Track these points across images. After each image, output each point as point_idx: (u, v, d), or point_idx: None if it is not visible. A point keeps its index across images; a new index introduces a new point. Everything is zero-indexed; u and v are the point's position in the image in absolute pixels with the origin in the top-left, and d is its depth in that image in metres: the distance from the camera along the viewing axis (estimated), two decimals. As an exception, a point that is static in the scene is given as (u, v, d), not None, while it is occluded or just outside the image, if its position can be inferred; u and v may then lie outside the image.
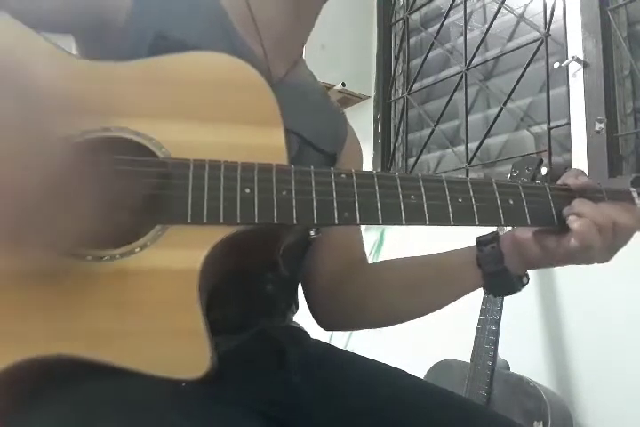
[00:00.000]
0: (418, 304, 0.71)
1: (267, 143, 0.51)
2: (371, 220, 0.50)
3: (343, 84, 2.04)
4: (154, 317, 0.43)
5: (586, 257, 0.57)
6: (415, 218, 0.51)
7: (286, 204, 0.48)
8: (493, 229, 0.71)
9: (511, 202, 0.54)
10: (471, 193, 0.53)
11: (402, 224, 0.51)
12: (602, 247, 0.55)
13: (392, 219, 0.51)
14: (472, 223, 0.53)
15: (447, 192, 0.53)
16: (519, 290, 0.64)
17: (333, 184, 0.50)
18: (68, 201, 0.39)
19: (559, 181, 0.60)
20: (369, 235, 1.97)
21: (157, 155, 0.48)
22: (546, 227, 0.57)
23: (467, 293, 0.67)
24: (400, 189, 0.51)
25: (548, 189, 0.56)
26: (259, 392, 0.57)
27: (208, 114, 0.50)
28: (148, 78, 0.51)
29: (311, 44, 2.34)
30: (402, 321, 0.72)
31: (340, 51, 2.10)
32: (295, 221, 0.48)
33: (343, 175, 0.51)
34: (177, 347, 0.43)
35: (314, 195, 0.49)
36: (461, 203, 0.53)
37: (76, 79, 0.49)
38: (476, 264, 0.64)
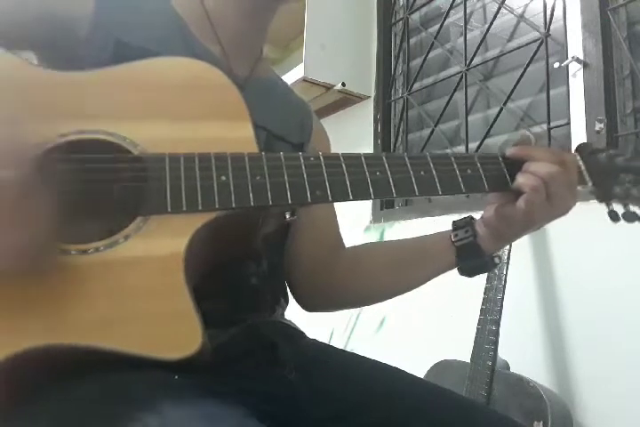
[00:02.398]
0: (396, 283, 0.74)
1: (236, 136, 0.54)
2: (342, 196, 0.54)
3: (343, 84, 2.04)
4: (144, 301, 0.45)
5: (541, 212, 0.60)
6: (383, 191, 0.55)
7: (261, 187, 0.51)
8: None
9: (469, 171, 0.60)
10: (432, 166, 0.58)
11: (371, 198, 0.55)
12: (546, 199, 0.59)
13: (361, 194, 0.54)
14: (436, 193, 0.57)
15: (409, 166, 0.57)
16: (491, 269, 0.69)
17: (303, 166, 0.53)
18: (29, 205, 0.40)
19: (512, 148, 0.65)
20: (369, 234, 1.97)
21: (133, 152, 0.50)
22: (503, 191, 0.62)
23: (442, 272, 0.71)
24: (365, 167, 0.55)
25: (500, 158, 0.62)
26: (255, 389, 0.58)
27: (177, 113, 0.53)
28: (117, 83, 0.53)
29: (311, 43, 2.34)
30: (381, 300, 0.76)
31: (340, 51, 2.10)
32: (271, 203, 0.51)
33: (312, 158, 0.54)
34: (169, 328, 0.44)
35: (286, 177, 0.52)
36: (424, 175, 0.57)
37: (48, 87, 0.51)
38: (451, 244, 0.68)
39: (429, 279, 0.72)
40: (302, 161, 0.54)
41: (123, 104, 0.52)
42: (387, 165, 0.56)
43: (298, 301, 0.78)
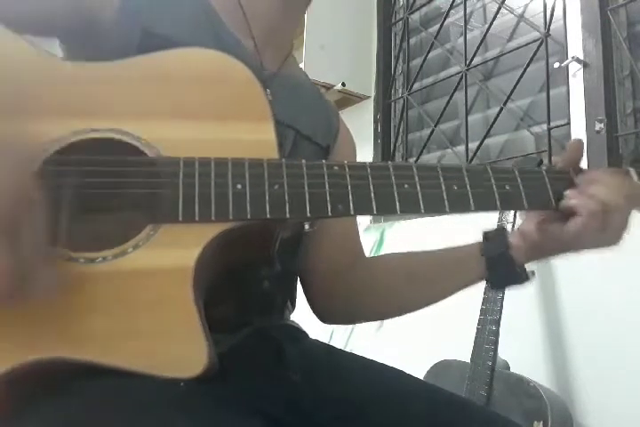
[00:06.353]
0: (419, 296, 0.71)
1: (257, 138, 0.50)
2: (365, 211, 0.49)
3: (343, 84, 2.04)
4: (149, 316, 0.43)
5: (590, 239, 0.56)
6: (410, 207, 0.50)
7: (279, 198, 0.47)
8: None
9: (507, 187, 0.54)
10: (466, 180, 0.53)
11: (396, 214, 0.50)
12: (601, 226, 0.54)
13: (386, 209, 0.50)
14: (468, 210, 0.52)
15: (442, 180, 0.52)
16: (523, 283, 0.64)
17: (326, 176, 0.49)
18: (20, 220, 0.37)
19: (562, 157, 0.59)
20: (369, 234, 1.97)
21: (147, 154, 0.47)
22: (544, 210, 0.57)
23: (469, 285, 0.67)
24: (393, 179, 0.51)
25: (544, 173, 0.56)
26: (259, 391, 0.57)
27: (197, 111, 0.50)
28: (136, 77, 0.50)
29: (311, 44, 2.34)
30: (403, 313, 0.72)
31: (340, 51, 2.10)
32: (288, 215, 0.47)
33: (335, 167, 0.50)
34: (174, 346, 0.42)
35: (306, 188, 0.48)
36: (457, 190, 0.52)
37: (62, 81, 0.49)
38: (480, 255, 0.64)
39: (455, 292, 0.68)
40: (325, 170, 0.50)
41: (140, 100, 0.49)
42: (417, 178, 0.51)
43: (315, 312, 0.75)
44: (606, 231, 0.54)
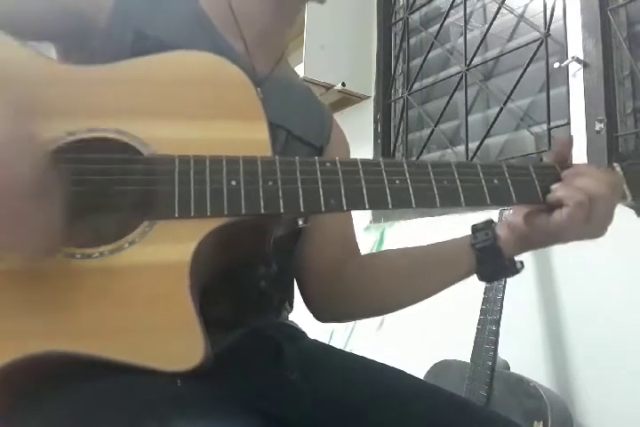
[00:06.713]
0: (414, 291, 0.72)
1: (250, 137, 0.51)
2: (357, 205, 0.51)
3: (343, 84, 2.04)
4: (146, 311, 0.44)
5: (575, 229, 0.58)
6: (401, 202, 0.52)
7: (272, 194, 0.49)
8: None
9: (496, 182, 0.56)
10: (456, 175, 0.55)
11: (388, 208, 0.52)
12: (587, 217, 0.55)
13: (378, 204, 0.51)
14: (458, 204, 0.54)
15: (432, 175, 0.54)
16: (512, 275, 0.66)
17: (318, 172, 0.51)
18: (41, 203, 0.39)
19: (551, 152, 0.62)
20: (369, 234, 1.97)
21: (143, 152, 0.48)
22: (533, 204, 0.59)
23: (462, 278, 0.68)
24: (385, 174, 0.52)
25: (531, 168, 0.58)
26: (257, 390, 0.57)
27: (191, 111, 0.51)
28: (131, 79, 0.52)
29: (311, 44, 2.33)
30: (397, 309, 0.73)
31: (340, 51, 2.10)
32: (282, 211, 0.49)
33: (328, 164, 0.52)
34: (170, 339, 0.43)
35: (299, 183, 0.50)
36: (447, 185, 0.54)
37: (59, 83, 0.50)
38: (470, 248, 0.65)
39: (448, 286, 0.69)
40: (318, 166, 0.51)
41: (135, 101, 0.50)
42: (407, 174, 0.53)
43: (310, 310, 0.76)
44: (591, 222, 0.56)
